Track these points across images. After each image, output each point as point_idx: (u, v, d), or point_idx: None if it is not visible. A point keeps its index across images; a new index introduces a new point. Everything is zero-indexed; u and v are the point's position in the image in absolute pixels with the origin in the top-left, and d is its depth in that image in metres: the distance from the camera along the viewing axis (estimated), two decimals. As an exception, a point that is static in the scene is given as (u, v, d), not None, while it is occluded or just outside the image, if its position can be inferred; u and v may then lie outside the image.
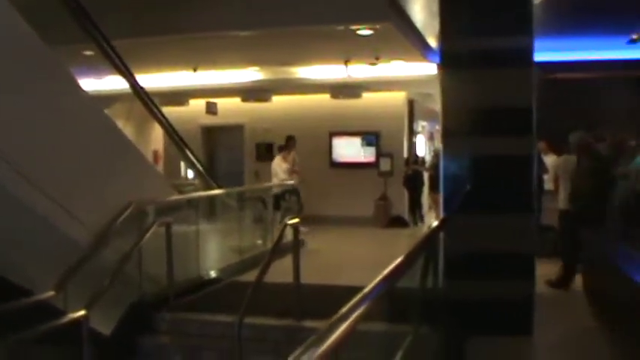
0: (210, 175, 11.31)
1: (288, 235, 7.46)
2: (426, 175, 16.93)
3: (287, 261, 7.30)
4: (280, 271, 7.19)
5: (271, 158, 17.12)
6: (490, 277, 6.67)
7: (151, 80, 14.01)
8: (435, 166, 14.28)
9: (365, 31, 10.60)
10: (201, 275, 8.98)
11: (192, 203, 9.53)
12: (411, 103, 17.91)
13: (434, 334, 5.62)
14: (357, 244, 13.45)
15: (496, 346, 6.22)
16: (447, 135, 7.13)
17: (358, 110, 17.02)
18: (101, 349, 6.75)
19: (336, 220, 15.97)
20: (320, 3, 9.73)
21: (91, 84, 13.14)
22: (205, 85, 15.78)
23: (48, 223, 6.40)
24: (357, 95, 16.69)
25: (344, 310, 2.32)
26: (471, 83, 6.95)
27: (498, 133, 6.83)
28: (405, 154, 17.23)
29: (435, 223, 6.07)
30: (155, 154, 18.32)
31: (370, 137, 17.30)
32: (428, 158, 18.87)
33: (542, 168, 10.98)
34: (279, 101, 17.69)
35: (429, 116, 19.44)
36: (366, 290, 2.63)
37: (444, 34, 7.22)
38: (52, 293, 6.16)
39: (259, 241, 11.40)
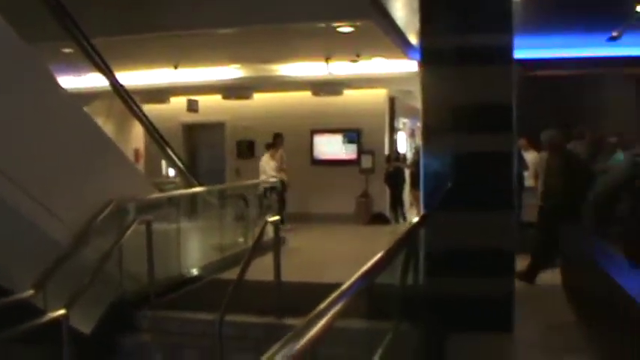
0: (191, 173, 11.29)
1: (270, 232, 7.46)
2: (407, 172, 16.98)
3: (268, 259, 7.31)
4: (261, 269, 7.19)
5: (252, 156, 17.22)
6: (470, 274, 6.69)
7: (132, 78, 13.95)
8: (416, 163, 14.33)
9: (346, 29, 10.61)
10: (183, 273, 8.95)
11: (172, 201, 9.50)
12: (392, 101, 17.93)
13: (414, 331, 5.63)
14: (339, 241, 13.46)
15: (476, 342, 6.24)
16: (427, 132, 7.14)
17: (339, 107, 17.03)
18: (81, 348, 6.71)
19: (317, 217, 15.99)
20: (301, 0, 9.72)
21: (70, 82, 13.07)
22: (186, 83, 15.71)
23: (27, 221, 6.36)
24: (338, 92, 16.70)
25: (322, 306, 2.31)
26: (451, 80, 6.96)
27: (478, 130, 6.84)
28: (387, 152, 17.25)
29: (416, 220, 6.09)
30: (136, 152, 18.25)
31: (351, 134, 17.31)
32: (409, 155, 18.92)
33: (523, 164, 11.03)
34: (260, 99, 17.66)
35: (410, 113, 19.48)
36: (344, 287, 2.63)
37: (424, 32, 7.22)
38: (31, 292, 6.12)
39: (241, 239, 11.37)
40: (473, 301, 6.57)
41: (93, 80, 11.47)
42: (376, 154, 16.98)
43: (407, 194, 17.39)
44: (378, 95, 17.26)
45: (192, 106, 17.30)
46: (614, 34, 12.13)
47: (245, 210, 11.81)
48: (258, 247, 7.20)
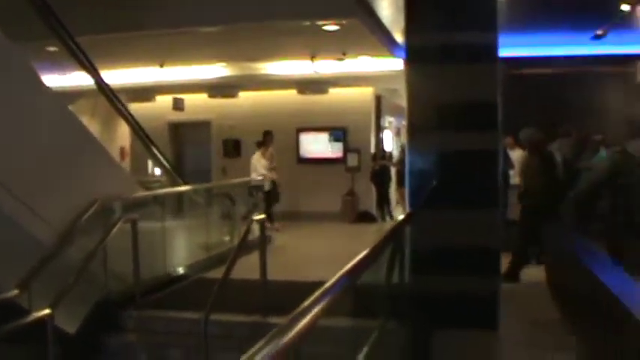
0: (176, 171, 11.27)
1: (256, 231, 7.46)
2: (393, 171, 16.99)
3: (254, 257, 7.31)
4: (247, 268, 7.19)
5: (238, 155, 17.20)
6: (456, 272, 6.70)
7: (118, 76, 13.91)
8: (402, 162, 14.32)
9: (331, 27, 10.60)
10: (168, 272, 8.93)
11: (158, 200, 9.47)
12: (378, 99, 17.93)
13: (400, 329, 5.64)
14: (325, 239, 13.47)
15: (462, 340, 6.25)
16: (413, 130, 7.14)
17: (325, 106, 17.03)
18: (66, 347, 6.69)
19: (303, 215, 15.98)
20: (286, -2, 9.73)
21: (56, 80, 13.01)
22: (172, 81, 15.68)
23: (10, 220, 6.32)
24: (324, 91, 16.72)
25: (305, 304, 2.31)
26: (436, 78, 6.97)
27: (463, 129, 6.85)
28: (373, 150, 17.25)
29: (401, 218, 6.10)
30: (122, 150, 18.18)
31: (337, 133, 17.30)
32: (395, 154, 18.93)
33: (509, 163, 11.06)
34: (246, 97, 17.64)
35: (396, 112, 19.48)
36: (328, 284, 2.63)
37: (409, 30, 7.22)
38: (15, 292, 6.10)
39: (227, 238, 11.36)
40: (458, 298, 6.58)
41: (78, 79, 11.41)
42: (362, 153, 16.97)
43: (393, 192, 17.39)
44: (364, 94, 17.25)
45: (178, 105, 17.25)
46: (599, 32, 12.18)
47: (231, 209, 11.79)
48: (244, 246, 7.20)
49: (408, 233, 5.77)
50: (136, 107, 15.47)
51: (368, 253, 3.56)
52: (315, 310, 2.29)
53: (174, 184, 10.56)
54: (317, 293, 2.46)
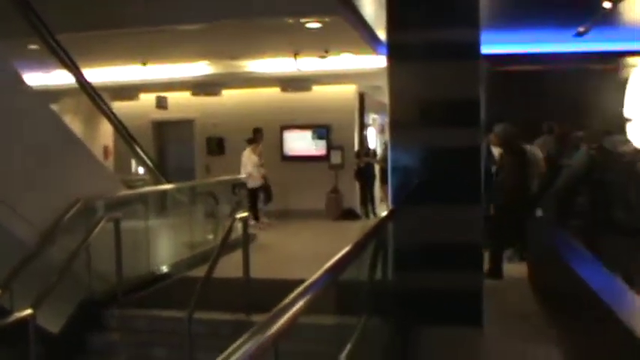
0: (160, 170, 11.23)
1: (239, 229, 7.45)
2: (377, 168, 17.02)
3: (238, 255, 7.29)
4: (231, 266, 7.18)
5: (222, 152, 17.19)
6: (439, 269, 6.72)
7: (101, 74, 13.86)
8: (385, 159, 14.34)
9: (314, 24, 10.59)
10: (152, 271, 8.90)
11: (141, 199, 9.44)
12: (361, 96, 17.95)
13: (384, 326, 5.65)
14: (308, 237, 13.47)
15: (446, 336, 6.27)
16: (395, 127, 7.14)
17: (308, 103, 17.04)
18: (50, 347, 6.67)
19: (287, 213, 15.97)
20: (268, -5, 9.71)
21: (39, 79, 12.96)
22: (155, 80, 15.63)
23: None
24: (307, 88, 16.72)
25: (286, 300, 2.31)
26: (418, 75, 6.97)
27: (445, 125, 6.86)
28: (356, 147, 17.27)
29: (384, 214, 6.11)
30: (105, 149, 18.10)
31: (321, 130, 17.30)
32: (379, 151, 18.95)
33: (491, 160, 11.08)
34: (229, 95, 17.61)
35: (380, 109, 19.47)
36: (309, 281, 2.63)
37: (391, 26, 7.21)
38: (-3, 292, 6.06)
39: (210, 236, 11.34)
40: (442, 295, 6.59)
41: (61, 77, 11.36)
42: (345, 150, 16.99)
43: (377, 190, 17.42)
44: (347, 91, 17.26)
45: (161, 103, 17.19)
46: (581, 29, 12.23)
47: (215, 207, 11.77)
48: (228, 244, 7.19)
49: (390, 230, 5.78)
50: (119, 106, 15.45)
51: (350, 250, 3.56)
52: (297, 306, 2.29)
53: (158, 182, 10.53)
54: (298, 290, 2.46)
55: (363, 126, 18.32)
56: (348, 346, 4.14)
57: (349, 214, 16.50)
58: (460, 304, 6.61)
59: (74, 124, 12.69)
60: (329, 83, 16.61)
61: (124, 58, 13.98)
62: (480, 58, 7.07)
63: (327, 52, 13.32)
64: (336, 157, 16.96)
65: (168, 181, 10.68)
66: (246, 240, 7.30)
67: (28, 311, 5.89)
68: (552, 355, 5.63)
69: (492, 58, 11.91)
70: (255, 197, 14.72)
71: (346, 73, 15.01)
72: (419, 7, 6.98)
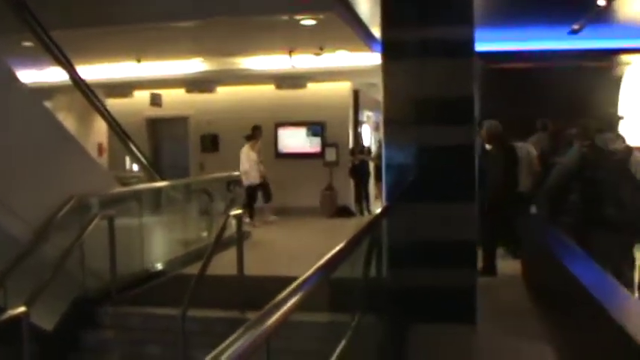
0: (154, 167, 11.21)
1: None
2: (372, 165, 17.03)
3: (232, 253, 7.28)
4: (225, 263, 7.18)
5: (216, 150, 17.19)
6: (432, 266, 6.72)
7: (95, 72, 13.84)
8: (380, 156, 14.35)
9: (309, 21, 10.58)
10: (146, 268, 8.89)
11: (135, 196, 9.42)
12: (356, 93, 17.95)
13: (378, 323, 5.65)
14: (303, 234, 13.48)
15: (439, 334, 6.28)
16: (389, 124, 7.13)
17: (303, 101, 17.04)
18: (43, 345, 6.66)
19: (282, 210, 15.95)
20: (263, -8, 9.70)
21: (33, 75, 12.93)
22: (149, 77, 15.59)
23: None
24: (302, 86, 16.72)
25: (280, 297, 2.31)
26: (412, 73, 6.97)
27: (439, 123, 6.86)
28: (351, 144, 17.28)
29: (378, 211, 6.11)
30: (99, 146, 18.07)
31: (315, 127, 17.29)
32: (374, 148, 18.96)
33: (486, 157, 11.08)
34: (223, 92, 17.61)
35: (375, 106, 19.50)
36: (302, 278, 2.63)
37: (385, 24, 7.21)
38: (-10, 290, 6.06)
39: (205, 233, 11.33)
40: (436, 292, 6.60)
41: (56, 74, 11.34)
42: (340, 147, 16.98)
43: (372, 187, 17.43)
44: (341, 88, 17.27)
45: (155, 101, 17.16)
46: (575, 27, 12.25)
47: (209, 204, 11.76)
48: (222, 242, 7.18)
49: (385, 227, 5.78)
50: (113, 103, 15.46)
51: (343, 247, 3.55)
52: (289, 303, 2.29)
53: (152, 179, 10.51)
54: (291, 287, 2.46)
55: (357, 123, 18.33)
56: (342, 344, 4.14)
57: (344, 212, 16.51)
58: (454, 301, 6.62)
59: (68, 122, 12.66)
60: (324, 80, 16.60)
61: (118, 55, 13.94)
62: (474, 55, 7.06)
63: (321, 49, 13.31)
64: (330, 155, 16.96)
65: (163, 179, 10.66)
66: (240, 237, 7.29)
67: (22, 309, 5.86)
68: (545, 352, 5.64)
69: (487, 56, 11.92)
70: (252, 195, 14.72)
71: (341, 70, 14.99)
72: (413, 4, 6.98)
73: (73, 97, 12.30)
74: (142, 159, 10.68)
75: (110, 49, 13.03)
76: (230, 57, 14.63)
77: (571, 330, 5.08)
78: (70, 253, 6.91)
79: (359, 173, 16.86)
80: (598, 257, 5.08)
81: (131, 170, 16.12)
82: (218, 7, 9.70)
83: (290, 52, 13.82)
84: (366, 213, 16.53)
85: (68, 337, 7.07)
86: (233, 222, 7.36)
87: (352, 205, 17.01)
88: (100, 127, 16.14)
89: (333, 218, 16.12)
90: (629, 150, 6.50)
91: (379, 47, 7.32)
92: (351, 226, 13.70)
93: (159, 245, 10.06)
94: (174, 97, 17.56)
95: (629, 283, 6.25)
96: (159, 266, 9.19)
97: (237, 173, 13.66)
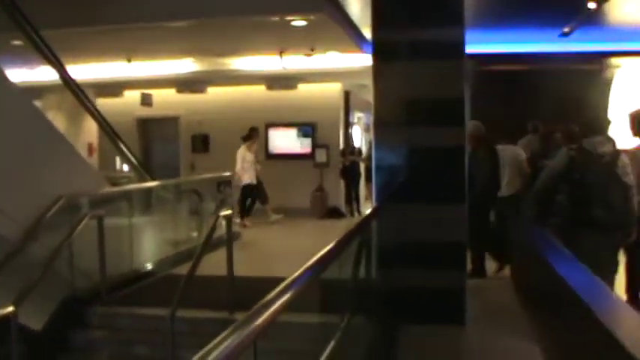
0: (144, 167, 11.18)
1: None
2: (362, 166, 17.04)
3: (221, 253, 7.27)
4: (215, 264, 7.17)
5: (207, 150, 17.17)
6: (422, 267, 6.74)
7: (85, 71, 13.79)
8: (370, 157, 14.36)
9: (299, 22, 10.58)
10: (136, 269, 8.86)
11: (125, 196, 9.40)
12: (346, 95, 17.96)
13: (367, 324, 5.66)
14: (293, 235, 13.47)
15: (429, 335, 6.29)
16: (379, 125, 7.15)
17: (294, 101, 17.04)
18: (32, 345, 6.64)
19: (272, 211, 15.95)
20: (254, -7, 9.70)
21: (23, 74, 12.87)
22: (140, 77, 15.56)
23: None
24: (293, 86, 16.73)
25: (268, 297, 2.31)
26: (402, 74, 6.99)
27: (430, 124, 6.88)
28: (342, 146, 17.28)
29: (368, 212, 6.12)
30: (89, 146, 18.02)
31: (306, 128, 17.29)
32: (364, 149, 18.98)
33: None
34: (214, 93, 17.61)
35: (365, 107, 19.52)
36: (291, 278, 2.63)
37: (376, 25, 7.23)
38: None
39: (195, 234, 11.30)
40: (425, 293, 6.62)
41: (45, 73, 11.31)
42: (331, 148, 16.99)
43: (363, 188, 17.44)
44: (332, 89, 17.27)
45: (146, 100, 17.13)
46: (566, 29, 12.29)
47: (199, 204, 11.74)
48: (212, 242, 7.17)
49: (374, 228, 5.79)
50: (103, 102, 15.42)
51: (333, 247, 3.56)
52: (277, 304, 2.29)
53: (143, 180, 10.49)
54: (279, 287, 2.46)
55: (348, 124, 18.34)
56: (331, 344, 4.14)
57: (334, 213, 16.51)
58: (443, 302, 6.64)
59: (58, 121, 12.62)
60: (314, 81, 16.61)
61: (108, 55, 13.90)
62: (464, 57, 7.09)
63: (312, 50, 13.32)
64: (321, 156, 16.96)
65: (153, 179, 10.64)
66: (230, 238, 7.28)
67: (10, 309, 5.85)
68: (534, 353, 5.66)
69: (477, 58, 11.95)
70: (246, 196, 14.71)
71: (332, 71, 15.01)
72: (404, 5, 7.00)
73: (63, 97, 12.26)
74: (132, 159, 10.65)
75: (101, 49, 12.99)
76: (221, 57, 14.61)
77: (559, 331, 5.09)
78: (59, 253, 6.89)
79: (349, 174, 16.87)
80: (585, 259, 5.10)
81: (121, 170, 16.07)
82: (209, 8, 9.69)
83: (281, 53, 13.82)
84: (356, 214, 16.55)
85: (57, 337, 7.04)
86: (223, 222, 7.34)
87: (342, 206, 17.02)
88: (90, 126, 16.10)
89: (323, 219, 16.12)
90: (617, 153, 6.52)
91: (370, 48, 7.34)
92: (341, 227, 13.64)
93: (149, 245, 10.03)
94: (164, 97, 17.54)
95: (610, 285, 6.26)
96: (148, 266, 9.16)
97: (227, 174, 13.65)
